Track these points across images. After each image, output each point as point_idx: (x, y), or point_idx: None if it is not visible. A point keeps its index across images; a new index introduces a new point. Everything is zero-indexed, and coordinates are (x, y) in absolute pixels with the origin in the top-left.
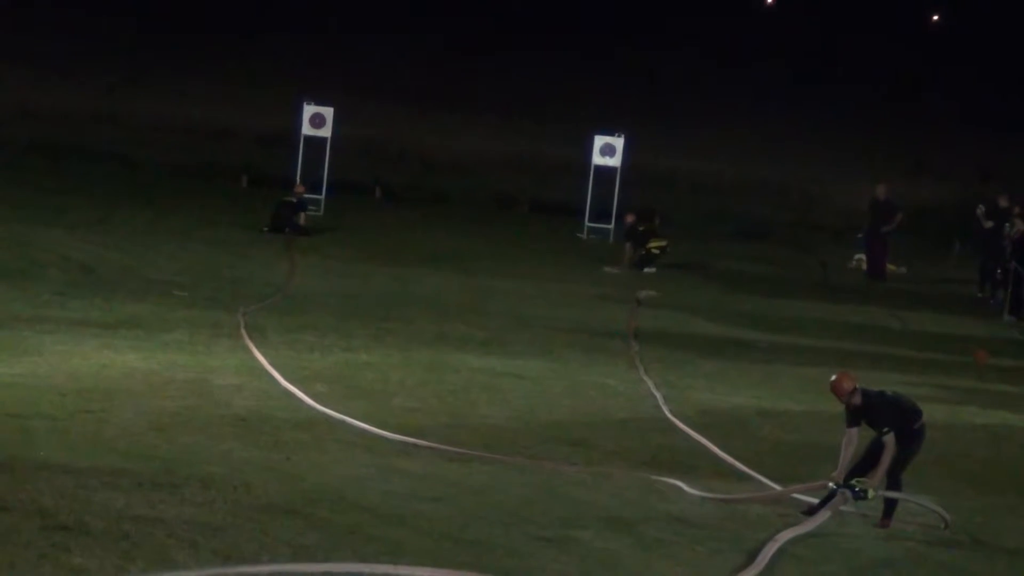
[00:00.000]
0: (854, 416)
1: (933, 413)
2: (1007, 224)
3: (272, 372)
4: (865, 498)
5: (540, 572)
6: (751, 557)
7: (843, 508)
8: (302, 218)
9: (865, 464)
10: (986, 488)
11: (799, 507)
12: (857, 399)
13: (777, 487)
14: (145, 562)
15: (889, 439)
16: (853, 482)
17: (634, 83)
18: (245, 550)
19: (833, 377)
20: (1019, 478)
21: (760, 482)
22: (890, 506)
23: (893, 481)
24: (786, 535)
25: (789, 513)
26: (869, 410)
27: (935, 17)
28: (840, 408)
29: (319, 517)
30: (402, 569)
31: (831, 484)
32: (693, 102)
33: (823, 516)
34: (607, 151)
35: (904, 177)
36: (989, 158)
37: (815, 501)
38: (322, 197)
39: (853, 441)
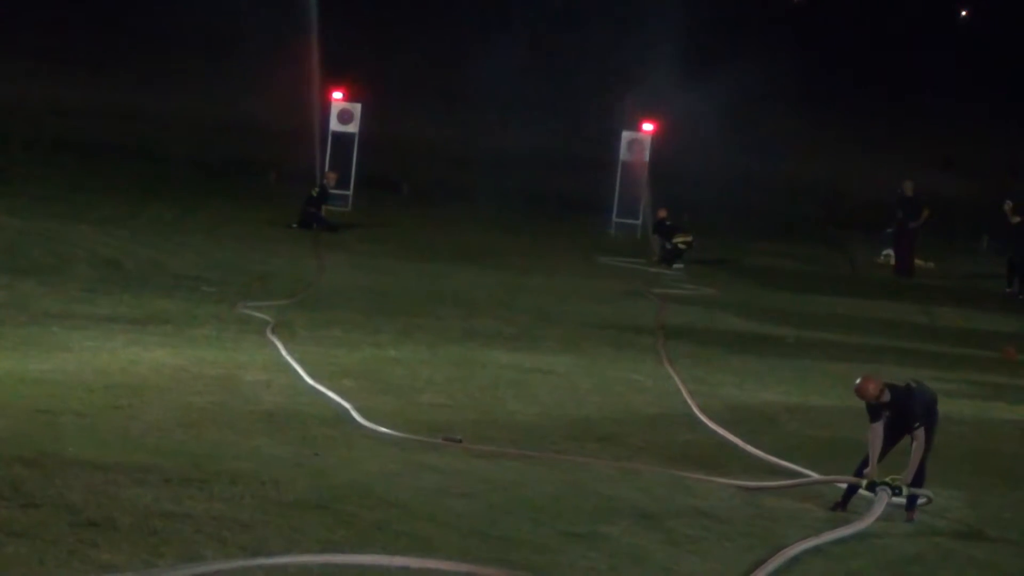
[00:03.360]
0: (878, 412)
1: (962, 409)
2: None
3: (298, 369)
4: (901, 495)
5: (568, 568)
6: (778, 552)
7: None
8: (324, 210)
9: (865, 462)
10: (1016, 483)
11: (826, 504)
12: (885, 397)
13: (814, 475)
14: (173, 557)
15: (920, 434)
16: (888, 479)
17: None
18: (273, 546)
19: (857, 381)
20: None
21: (793, 471)
22: (913, 498)
23: (918, 474)
24: (831, 535)
25: (817, 510)
26: (898, 406)
27: (963, 13)
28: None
29: (347, 513)
30: (431, 563)
31: (865, 482)
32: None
33: (874, 516)
34: (635, 147)
35: (932, 173)
36: (1017, 154)
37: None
38: (350, 193)
39: (880, 436)
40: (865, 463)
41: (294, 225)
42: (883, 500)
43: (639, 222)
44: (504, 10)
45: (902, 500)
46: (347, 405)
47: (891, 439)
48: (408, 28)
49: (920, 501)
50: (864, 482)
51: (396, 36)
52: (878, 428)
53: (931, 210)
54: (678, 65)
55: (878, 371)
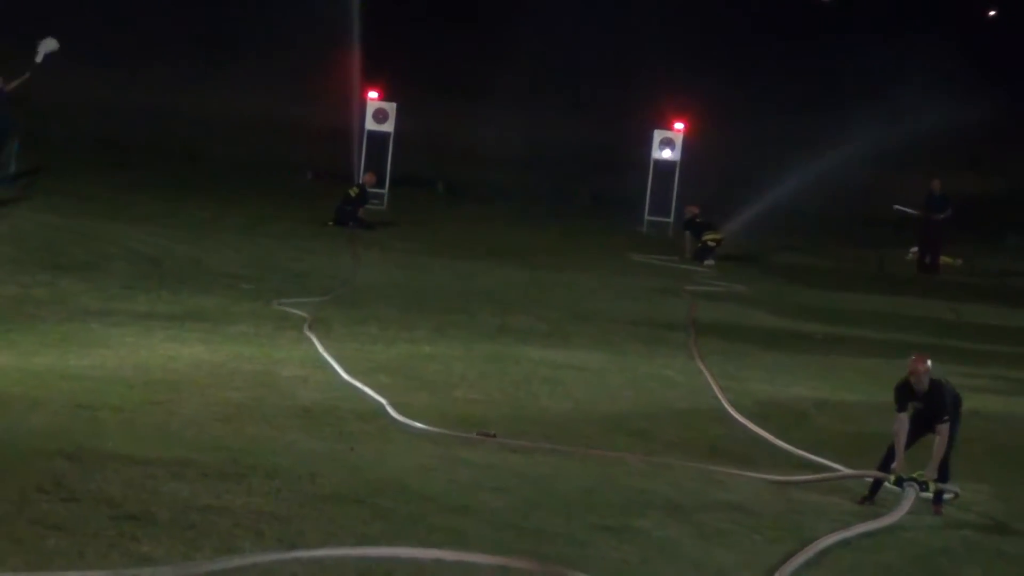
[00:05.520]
0: (907, 400)
1: (989, 404)
2: None
3: (334, 365)
4: (928, 491)
5: (600, 560)
6: (807, 545)
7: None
8: (362, 211)
9: (889, 455)
10: None
11: (854, 497)
12: (926, 383)
13: (843, 469)
14: (211, 550)
15: (945, 429)
16: (916, 475)
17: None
18: (310, 539)
19: (912, 357)
20: None
21: (822, 465)
22: (939, 493)
23: (944, 469)
24: (859, 528)
25: (845, 503)
26: (932, 397)
27: (991, 13)
28: None
29: (383, 506)
30: (464, 556)
31: (893, 477)
32: (750, 99)
33: (902, 511)
34: (667, 145)
35: (959, 171)
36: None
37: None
38: (385, 191)
39: (905, 427)
40: (890, 455)
41: (330, 223)
42: (911, 496)
43: (671, 220)
44: (536, 10)
45: (929, 495)
46: (383, 400)
47: (915, 433)
48: (441, 28)
49: (947, 496)
50: (892, 477)
51: (430, 36)
52: (904, 418)
53: (954, 208)
54: (711, 63)
55: (905, 369)
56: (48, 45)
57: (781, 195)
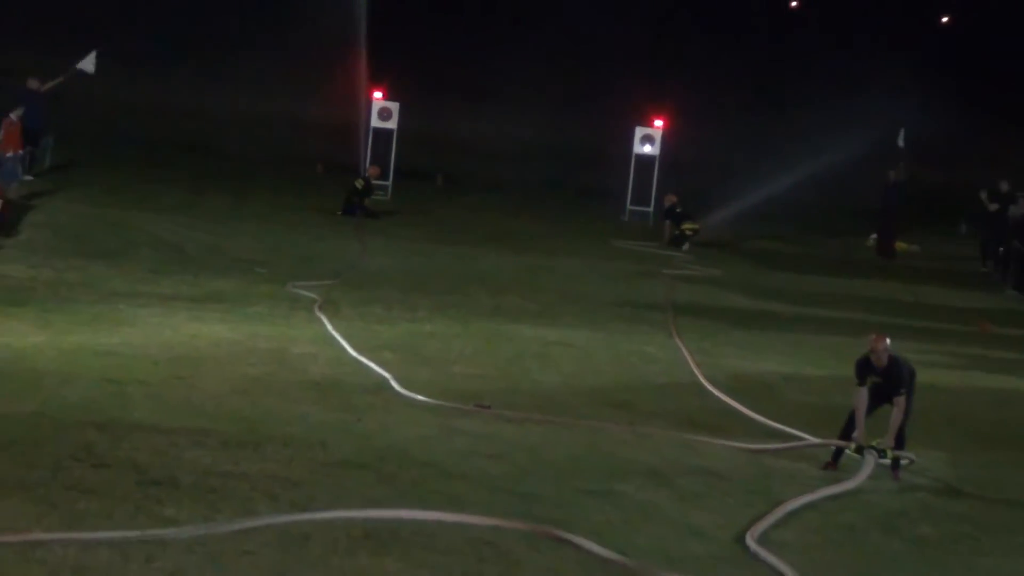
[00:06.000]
0: (866, 375)
1: (943, 378)
2: (1011, 206)
3: (342, 343)
4: (886, 457)
5: (586, 522)
6: (776, 507)
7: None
8: (368, 202)
9: (850, 424)
10: (990, 445)
11: (819, 463)
12: (885, 359)
13: (810, 438)
14: (229, 512)
15: (902, 400)
16: (875, 443)
17: (672, 79)
18: (320, 502)
19: (873, 336)
20: (1021, 437)
21: (790, 434)
22: (896, 460)
23: (901, 438)
24: (824, 492)
25: (812, 469)
26: (891, 371)
27: (944, 19)
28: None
29: (387, 472)
30: (462, 517)
31: (854, 445)
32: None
33: (864, 476)
34: (647, 141)
35: (920, 166)
36: (990, 145)
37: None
38: (389, 183)
39: (865, 400)
40: (850, 425)
41: (339, 213)
42: (871, 462)
43: (651, 209)
44: (529, 16)
45: (887, 462)
46: (387, 375)
47: (873, 404)
48: (441, 35)
49: (903, 462)
50: (853, 445)
51: (430, 42)
52: (864, 392)
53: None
54: (689, 65)
55: (866, 346)
56: (87, 63)
57: (755, 186)
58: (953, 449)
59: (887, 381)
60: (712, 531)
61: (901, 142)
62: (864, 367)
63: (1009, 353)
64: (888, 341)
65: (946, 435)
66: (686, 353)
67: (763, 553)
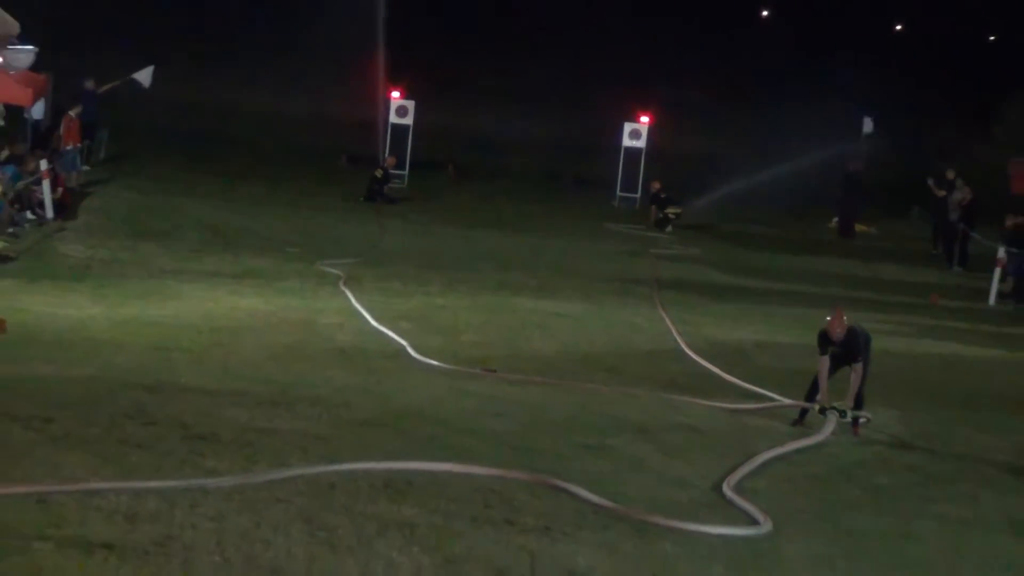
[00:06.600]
0: (827, 345)
1: (897, 344)
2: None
3: (364, 314)
4: (847, 417)
5: (581, 472)
6: (750, 459)
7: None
8: (387, 189)
9: (814, 387)
10: (940, 404)
11: (787, 421)
12: (842, 335)
13: (780, 398)
14: (265, 464)
15: (859, 367)
16: (836, 404)
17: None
18: (345, 455)
19: (829, 319)
20: (966, 396)
21: (763, 395)
22: (856, 419)
23: (859, 399)
24: (792, 445)
25: (781, 426)
26: (848, 342)
27: (898, 27)
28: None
29: (404, 429)
30: (471, 468)
31: (818, 407)
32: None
33: (827, 432)
34: (635, 135)
35: (871, 154)
36: (938, 138)
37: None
38: (406, 173)
39: (827, 367)
40: (814, 387)
41: (361, 199)
42: (833, 421)
43: (638, 195)
44: (531, 25)
45: (848, 420)
46: (404, 343)
47: (834, 368)
48: (453, 39)
49: (861, 421)
50: (817, 407)
51: (443, 46)
52: (826, 360)
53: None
54: (673, 69)
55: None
56: (144, 76)
57: (731, 175)
58: (905, 407)
59: (845, 350)
60: (693, 480)
61: (868, 129)
62: (824, 339)
63: (956, 323)
64: (845, 319)
65: (899, 395)
66: (669, 323)
67: (738, 500)
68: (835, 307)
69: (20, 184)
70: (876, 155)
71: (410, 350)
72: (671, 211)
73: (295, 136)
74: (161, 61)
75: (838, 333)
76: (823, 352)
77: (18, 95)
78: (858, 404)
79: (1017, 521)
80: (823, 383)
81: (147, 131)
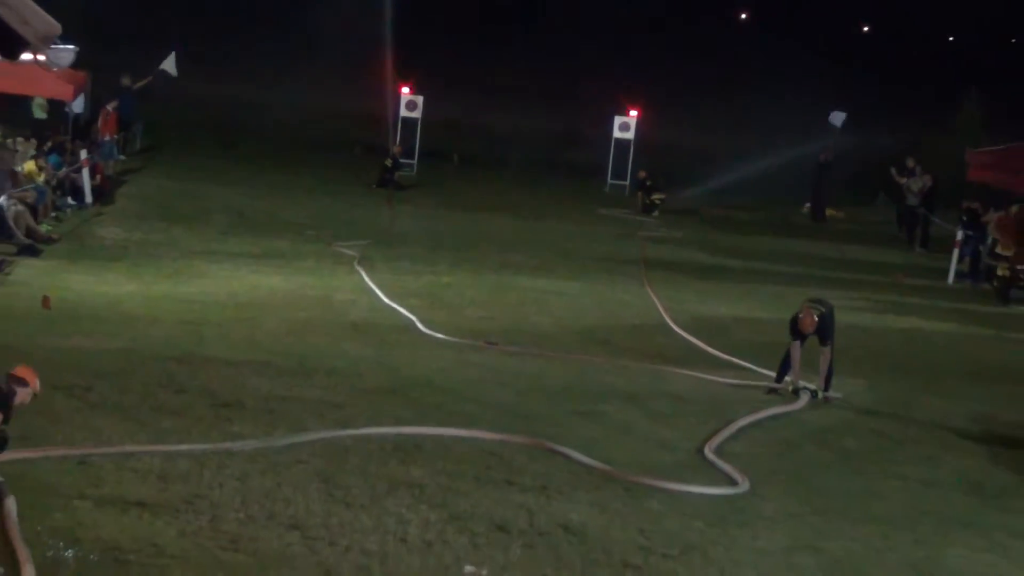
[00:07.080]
0: (798, 332)
1: (863, 320)
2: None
3: (376, 291)
4: (816, 396)
5: (575, 436)
6: (729, 424)
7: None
8: (398, 176)
9: (787, 363)
10: (902, 374)
11: (763, 391)
12: (813, 330)
13: (756, 368)
14: (285, 428)
15: (827, 351)
16: (809, 386)
17: (645, 77)
18: (359, 421)
19: (801, 316)
20: (927, 367)
21: (741, 366)
22: (827, 399)
23: (829, 378)
24: (767, 412)
25: (758, 395)
26: (818, 331)
27: (865, 28)
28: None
29: (413, 397)
30: (475, 433)
31: (791, 388)
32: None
33: (802, 403)
34: (624, 127)
35: (840, 144)
36: (901, 129)
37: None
38: (414, 162)
39: (799, 350)
40: (786, 361)
41: (374, 185)
42: (805, 397)
43: (627, 183)
44: (530, 26)
45: (819, 400)
46: (413, 317)
47: (802, 343)
48: (459, 38)
49: (833, 400)
50: (790, 387)
51: (448, 45)
52: (797, 344)
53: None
54: (661, 66)
55: (803, 293)
56: (168, 65)
57: (712, 164)
58: (871, 377)
59: (818, 337)
60: (677, 444)
61: (838, 122)
62: (795, 330)
63: (918, 300)
64: (815, 316)
65: (866, 366)
66: (656, 300)
67: (718, 462)
68: (805, 306)
69: (62, 172)
70: (845, 146)
71: (419, 324)
72: (656, 197)
73: (314, 128)
74: (194, 59)
75: (809, 330)
76: (795, 338)
77: (60, 90)
78: (827, 385)
79: (973, 481)
80: (796, 365)
81: (178, 124)
